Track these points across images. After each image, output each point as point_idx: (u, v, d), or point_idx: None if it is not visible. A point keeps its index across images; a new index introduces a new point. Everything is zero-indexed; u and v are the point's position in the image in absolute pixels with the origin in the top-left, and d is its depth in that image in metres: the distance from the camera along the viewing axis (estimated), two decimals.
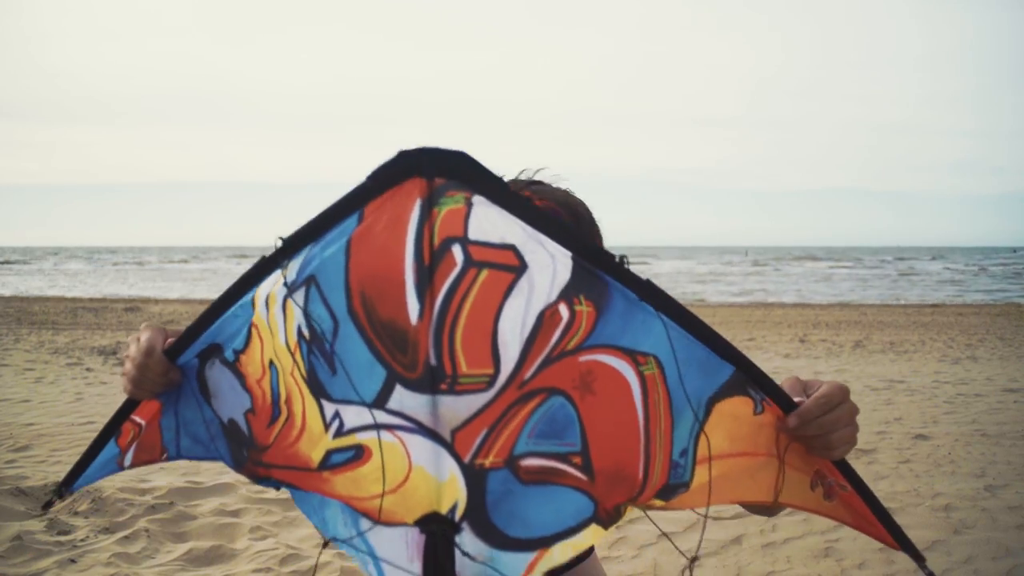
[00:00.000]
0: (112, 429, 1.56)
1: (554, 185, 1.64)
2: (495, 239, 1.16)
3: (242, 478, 5.93)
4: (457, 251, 1.15)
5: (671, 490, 1.30)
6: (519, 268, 1.17)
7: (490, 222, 1.16)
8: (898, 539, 1.43)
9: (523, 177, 1.64)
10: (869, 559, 4.62)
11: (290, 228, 1.22)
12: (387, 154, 1.12)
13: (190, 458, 1.52)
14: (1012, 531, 5.04)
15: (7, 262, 71.70)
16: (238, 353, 1.39)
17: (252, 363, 1.38)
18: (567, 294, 1.19)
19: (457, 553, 1.26)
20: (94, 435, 7.18)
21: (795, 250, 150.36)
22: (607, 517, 1.29)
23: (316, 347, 1.27)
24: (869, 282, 42.26)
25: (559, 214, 1.55)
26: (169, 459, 1.57)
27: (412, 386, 1.20)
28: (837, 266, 64.12)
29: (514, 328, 1.18)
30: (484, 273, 1.16)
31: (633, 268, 1.20)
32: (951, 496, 5.71)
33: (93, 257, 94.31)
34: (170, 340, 1.46)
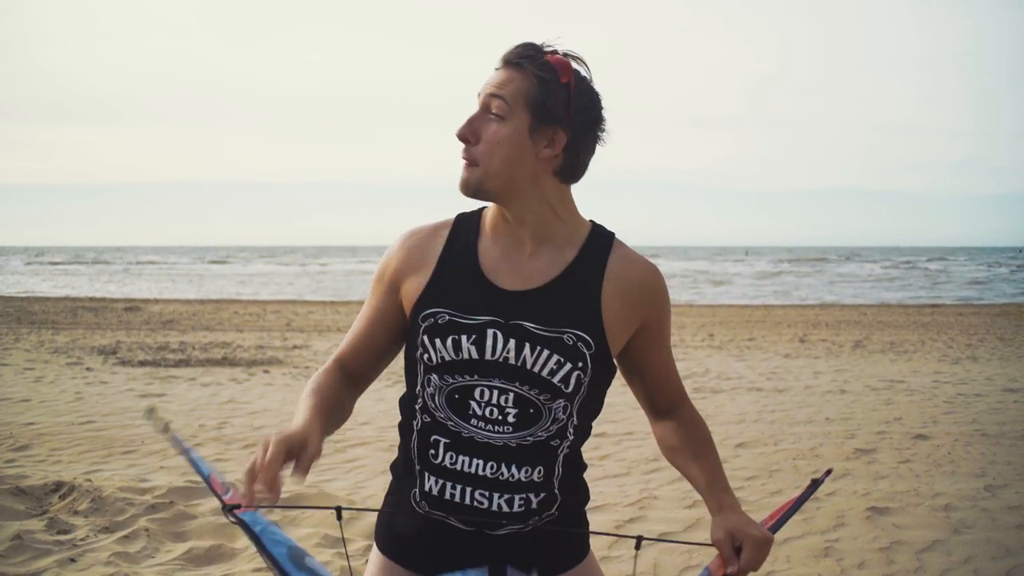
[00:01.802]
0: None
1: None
2: None
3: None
4: None
5: None
6: None
7: None
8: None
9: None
10: (869, 559, 4.62)
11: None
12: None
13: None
14: (1012, 531, 5.04)
15: (49, 263, 71.60)
16: None
17: None
18: None
19: None
20: (94, 435, 7.18)
21: (796, 250, 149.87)
22: None
23: None
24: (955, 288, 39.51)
25: (565, 62, 1.73)
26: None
27: None
28: (889, 267, 63.20)
29: None
30: None
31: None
32: (951, 496, 5.72)
33: (93, 256, 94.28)
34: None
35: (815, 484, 1.95)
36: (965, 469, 6.45)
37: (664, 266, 63.37)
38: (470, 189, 1.74)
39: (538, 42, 1.76)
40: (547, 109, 1.70)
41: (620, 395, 9.17)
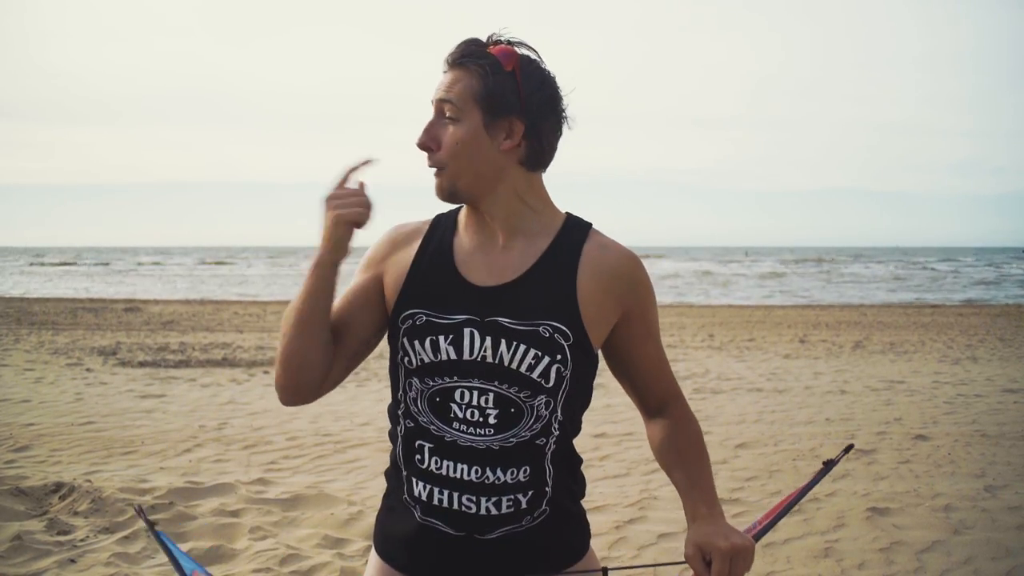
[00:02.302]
0: None
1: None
2: None
3: (242, 478, 5.93)
4: None
5: None
6: None
7: None
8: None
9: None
10: (869, 559, 4.62)
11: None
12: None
13: None
14: (1012, 532, 5.04)
15: (63, 263, 71.59)
16: None
17: None
18: None
19: None
20: (94, 435, 7.18)
21: (797, 251, 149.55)
22: None
23: None
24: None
25: (508, 50, 1.71)
26: None
27: None
28: (899, 267, 62.63)
29: None
30: None
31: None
32: (951, 496, 5.71)
33: (94, 257, 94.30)
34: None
35: (829, 465, 1.88)
36: (965, 470, 6.45)
37: (668, 267, 63.29)
38: (445, 193, 1.75)
39: (482, 36, 1.75)
40: (497, 101, 1.70)
41: (621, 395, 9.16)
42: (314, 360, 1.74)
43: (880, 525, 5.15)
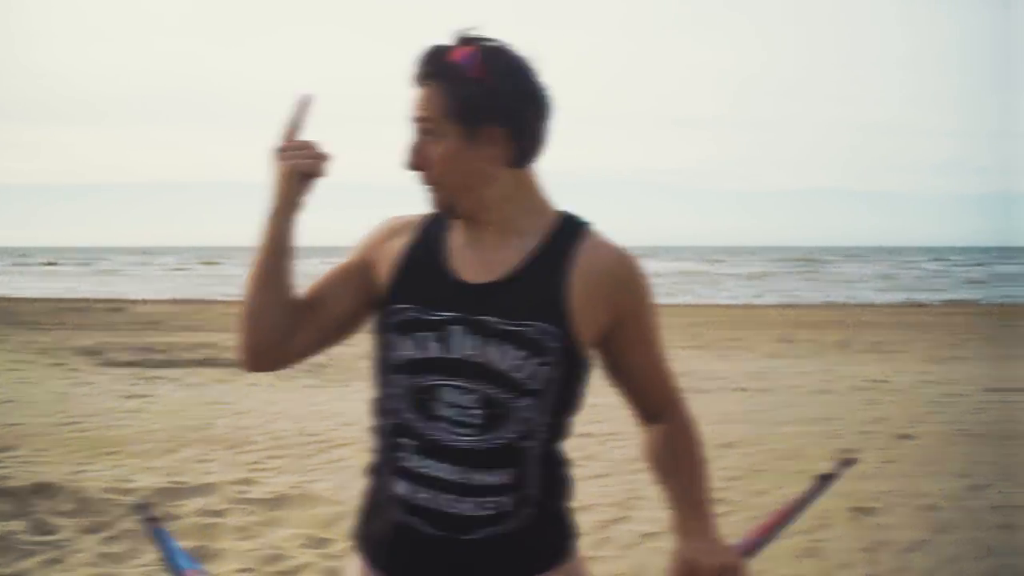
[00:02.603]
0: None
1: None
2: None
3: (227, 478, 5.91)
4: None
5: None
6: None
7: None
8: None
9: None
10: (853, 559, 4.64)
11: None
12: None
13: None
14: (995, 531, 5.07)
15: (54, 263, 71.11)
16: None
17: None
18: None
19: None
20: (79, 435, 7.15)
21: (782, 250, 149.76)
22: None
23: None
24: None
25: (469, 52, 1.63)
26: None
27: None
28: (892, 267, 62.69)
29: None
30: None
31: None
32: (935, 496, 5.74)
33: (79, 256, 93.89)
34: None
35: (826, 479, 1.85)
36: (949, 469, 6.47)
37: (652, 266, 63.42)
38: (443, 209, 1.73)
39: (443, 38, 1.67)
40: (470, 113, 1.64)
41: (605, 395, 9.18)
42: (272, 319, 1.71)
43: (864, 525, 5.17)
